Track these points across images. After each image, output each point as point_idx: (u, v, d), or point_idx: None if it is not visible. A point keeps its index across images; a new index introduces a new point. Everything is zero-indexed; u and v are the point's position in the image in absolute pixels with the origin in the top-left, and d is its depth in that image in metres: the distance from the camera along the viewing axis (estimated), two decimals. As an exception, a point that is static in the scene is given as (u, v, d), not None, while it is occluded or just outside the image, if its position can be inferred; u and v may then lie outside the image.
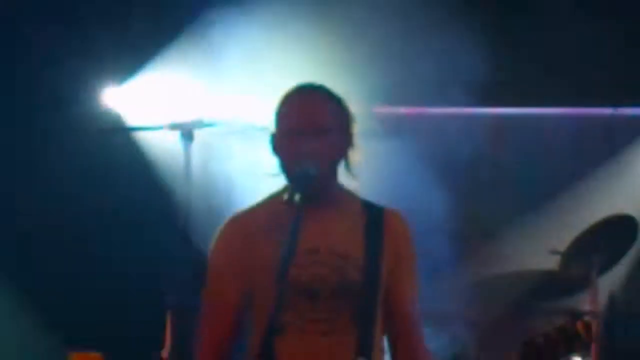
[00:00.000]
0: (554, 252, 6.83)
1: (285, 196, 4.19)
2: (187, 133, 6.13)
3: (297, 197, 4.09)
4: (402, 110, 6.98)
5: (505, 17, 6.76)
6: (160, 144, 7.21)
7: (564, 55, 7.18)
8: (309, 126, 4.22)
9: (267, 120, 4.35)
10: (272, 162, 4.27)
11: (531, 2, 6.89)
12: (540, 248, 7.03)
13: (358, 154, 4.32)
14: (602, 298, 6.73)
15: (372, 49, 6.42)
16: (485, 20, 6.51)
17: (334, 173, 4.27)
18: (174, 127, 6.24)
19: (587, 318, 4.30)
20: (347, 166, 4.33)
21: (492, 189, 7.44)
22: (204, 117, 6.30)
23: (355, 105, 4.36)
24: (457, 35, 6.42)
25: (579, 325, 4.09)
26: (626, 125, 7.65)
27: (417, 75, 6.56)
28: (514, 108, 7.61)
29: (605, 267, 6.69)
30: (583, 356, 6.45)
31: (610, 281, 6.85)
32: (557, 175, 7.56)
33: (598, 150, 7.62)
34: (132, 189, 7.45)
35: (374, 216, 4.34)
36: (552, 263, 6.86)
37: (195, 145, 6.14)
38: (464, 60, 6.49)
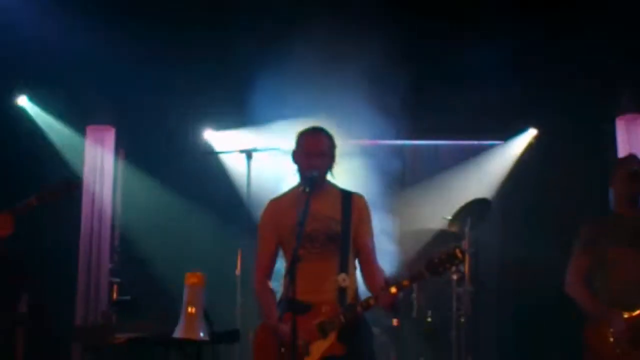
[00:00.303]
0: (444, 218, 6.85)
1: (300, 188, 4.31)
2: (248, 155, 6.24)
3: (307, 188, 4.20)
4: (361, 141, 6.78)
5: (419, 85, 6.63)
6: (233, 160, 7.24)
7: (448, 111, 7.12)
8: (315, 150, 4.38)
9: (290, 147, 4.45)
10: (293, 169, 4.36)
11: (428, 83, 6.77)
12: (437, 215, 7.02)
13: (338, 166, 4.41)
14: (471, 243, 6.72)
15: (344, 109, 6.28)
16: (407, 86, 6.40)
17: (325, 175, 4.37)
18: (241, 151, 6.34)
19: (462, 248, 4.31)
20: (331, 172, 4.42)
21: (411, 184, 7.39)
22: (257, 146, 6.37)
23: (339, 139, 4.45)
24: (390, 96, 6.34)
25: (457, 251, 4.13)
26: (485, 150, 7.63)
27: (369, 121, 6.44)
28: (425, 140, 7.59)
29: (473, 227, 6.67)
30: (460, 270, 6.48)
31: (475, 234, 6.77)
32: (447, 176, 7.49)
33: (468, 162, 7.58)
34: (218, 186, 7.45)
35: (346, 197, 4.46)
36: (443, 224, 6.86)
37: (253, 161, 6.25)
38: (394, 110, 6.42)
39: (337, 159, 4.49)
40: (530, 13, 6.15)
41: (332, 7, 5.88)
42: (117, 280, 6.93)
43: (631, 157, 5.17)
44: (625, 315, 4.67)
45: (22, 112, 7.25)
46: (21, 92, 7.22)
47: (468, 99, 6.98)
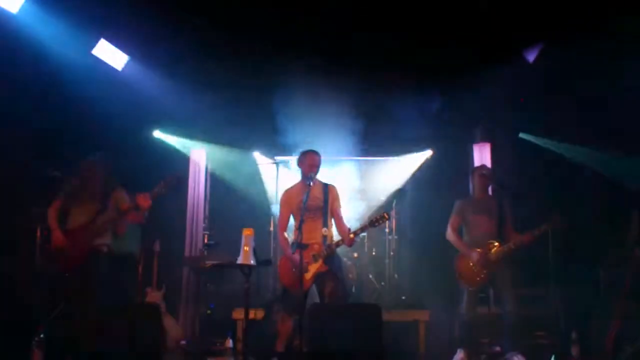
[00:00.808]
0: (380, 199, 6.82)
1: (303, 182, 4.32)
2: (277, 164, 6.14)
3: (308, 181, 4.21)
4: (335, 157, 6.49)
5: (367, 123, 6.34)
6: (268, 167, 7.09)
7: (382, 139, 6.91)
8: (314, 163, 4.39)
9: (296, 160, 4.41)
10: (299, 172, 4.36)
11: (372, 124, 6.48)
12: (378, 196, 6.93)
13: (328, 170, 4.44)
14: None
15: (324, 138, 5.92)
16: (360, 125, 6.20)
17: (316, 176, 4.36)
18: (273, 162, 6.23)
19: (389, 213, 4.31)
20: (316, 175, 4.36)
21: (365, 180, 7.08)
22: (282, 160, 6.27)
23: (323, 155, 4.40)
24: (351, 132, 6.16)
25: (385, 214, 4.15)
26: (403, 161, 7.44)
27: (338, 144, 6.18)
28: (371, 157, 7.31)
29: (397, 203, 6.62)
30: (390, 225, 6.45)
31: (398, 207, 6.67)
32: (382, 174, 7.28)
33: (394, 167, 7.39)
34: (260, 182, 7.29)
35: (325, 186, 4.45)
36: (382, 201, 6.78)
37: (280, 168, 6.10)
38: (352, 135, 6.17)
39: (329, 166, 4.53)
40: (431, 81, 6.05)
41: (319, 74, 5.56)
42: (207, 232, 6.92)
43: (482, 165, 5.22)
44: (478, 251, 4.70)
45: (157, 140, 7.09)
46: (155, 127, 7.05)
47: (393, 131, 6.80)
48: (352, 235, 4.18)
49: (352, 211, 6.36)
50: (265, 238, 6.35)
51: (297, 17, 5.08)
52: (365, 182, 7.08)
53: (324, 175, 4.47)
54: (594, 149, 5.96)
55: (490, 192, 4.99)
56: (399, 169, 7.43)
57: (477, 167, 5.15)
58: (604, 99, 5.34)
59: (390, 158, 7.42)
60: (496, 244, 4.65)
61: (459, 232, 4.86)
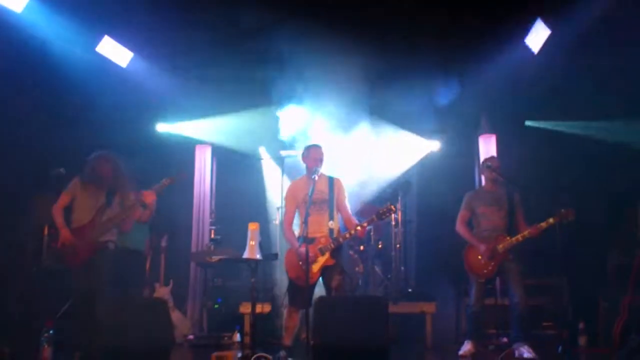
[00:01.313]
0: (392, 189, 6.57)
1: (309, 176, 4.29)
2: (281, 159, 6.08)
3: (313, 176, 4.18)
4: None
5: (376, 96, 6.17)
6: (269, 164, 7.11)
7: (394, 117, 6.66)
8: (319, 157, 4.35)
9: (300, 155, 4.42)
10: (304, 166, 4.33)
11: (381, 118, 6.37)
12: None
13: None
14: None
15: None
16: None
17: (320, 169, 4.32)
18: (275, 157, 6.17)
19: (394, 205, 4.29)
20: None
21: (373, 154, 6.70)
22: (285, 154, 6.22)
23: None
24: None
25: (391, 207, 4.13)
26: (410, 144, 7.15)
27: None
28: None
29: (402, 195, 6.54)
30: (396, 218, 6.32)
31: (404, 199, 6.58)
32: (391, 151, 6.89)
33: (405, 147, 7.06)
34: (263, 178, 7.24)
35: (330, 179, 4.43)
36: (387, 193, 6.58)
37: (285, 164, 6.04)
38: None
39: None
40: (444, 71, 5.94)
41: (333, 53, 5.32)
42: (213, 227, 6.91)
43: (490, 157, 5.21)
44: (486, 243, 4.69)
45: (161, 134, 6.99)
46: (159, 121, 6.96)
47: (406, 124, 6.75)
48: (365, 224, 4.18)
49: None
50: (271, 232, 6.32)
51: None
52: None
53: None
54: (610, 121, 5.83)
55: (498, 184, 4.95)
56: (406, 150, 7.04)
57: (486, 160, 5.11)
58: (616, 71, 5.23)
59: (400, 131, 6.89)
60: (505, 236, 4.63)
61: (468, 224, 4.84)
